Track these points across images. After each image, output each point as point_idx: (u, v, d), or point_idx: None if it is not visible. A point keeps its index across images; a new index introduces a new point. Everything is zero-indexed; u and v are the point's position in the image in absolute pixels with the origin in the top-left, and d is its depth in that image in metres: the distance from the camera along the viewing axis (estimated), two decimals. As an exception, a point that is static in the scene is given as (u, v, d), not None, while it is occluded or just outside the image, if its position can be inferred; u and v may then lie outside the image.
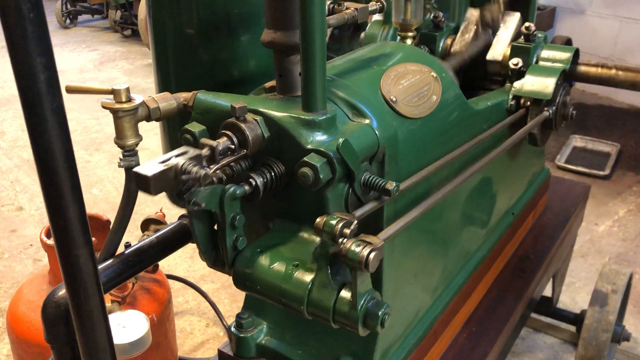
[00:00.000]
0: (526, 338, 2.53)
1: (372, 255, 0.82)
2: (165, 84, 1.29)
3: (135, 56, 6.76)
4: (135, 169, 0.79)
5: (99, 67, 6.44)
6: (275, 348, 1.21)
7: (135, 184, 0.78)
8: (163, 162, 0.80)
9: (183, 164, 0.81)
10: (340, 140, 0.93)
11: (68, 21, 8.06)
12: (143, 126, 1.05)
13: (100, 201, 3.67)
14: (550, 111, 1.55)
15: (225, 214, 0.92)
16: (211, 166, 0.89)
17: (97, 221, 1.83)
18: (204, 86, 1.15)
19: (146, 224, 1.60)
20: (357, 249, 0.83)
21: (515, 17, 1.68)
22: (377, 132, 1.02)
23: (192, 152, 0.83)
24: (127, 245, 1.34)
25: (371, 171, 1.02)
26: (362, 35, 1.74)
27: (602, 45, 4.83)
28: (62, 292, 0.97)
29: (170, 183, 0.80)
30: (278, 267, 0.95)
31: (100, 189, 3.83)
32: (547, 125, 1.59)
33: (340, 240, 0.85)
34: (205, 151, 0.88)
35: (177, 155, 0.82)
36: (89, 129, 4.74)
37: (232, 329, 1.23)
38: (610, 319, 1.99)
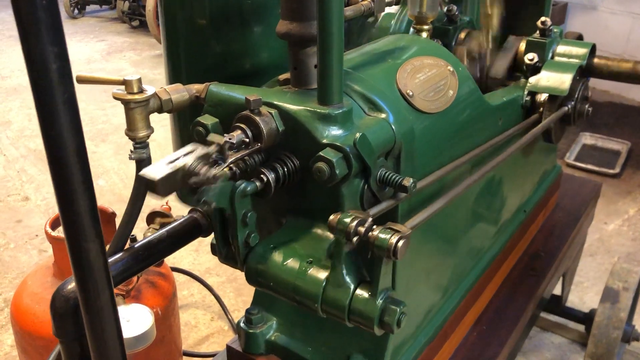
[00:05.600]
0: (533, 337, 2.51)
1: (400, 243, 0.81)
2: (176, 75, 1.27)
3: (143, 47, 6.74)
4: (142, 172, 0.77)
5: (106, 57, 6.42)
6: (285, 345, 1.19)
7: (144, 186, 0.76)
8: (170, 162, 0.78)
9: (191, 164, 0.78)
10: (357, 135, 0.91)
11: (76, 11, 8.04)
12: (150, 118, 1.03)
13: (106, 192, 3.66)
14: (569, 106, 1.52)
15: (236, 211, 0.90)
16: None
17: (102, 213, 1.81)
18: (215, 78, 1.13)
19: (152, 217, 1.58)
20: (386, 236, 0.82)
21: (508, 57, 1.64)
22: (393, 127, 1.00)
23: (200, 150, 0.81)
24: (132, 239, 1.32)
25: (387, 167, 1.00)
26: (375, 28, 1.72)
27: (614, 42, 4.78)
28: (71, 285, 0.96)
29: (179, 184, 0.78)
30: (292, 264, 0.93)
31: (107, 180, 3.82)
32: (565, 120, 1.56)
33: (355, 238, 0.83)
34: (213, 148, 0.85)
35: (185, 155, 0.79)
36: (95, 119, 4.72)
37: (242, 324, 1.21)
38: (622, 316, 1.96)
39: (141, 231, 1.32)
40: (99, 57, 6.43)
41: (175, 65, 1.27)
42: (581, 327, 2.43)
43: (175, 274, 2.52)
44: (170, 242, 1.10)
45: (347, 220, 0.84)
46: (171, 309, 1.84)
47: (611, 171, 3.75)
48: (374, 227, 0.83)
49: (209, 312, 2.66)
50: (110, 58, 6.40)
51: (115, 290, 1.67)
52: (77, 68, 6.00)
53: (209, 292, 2.69)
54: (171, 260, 2.93)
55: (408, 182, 0.94)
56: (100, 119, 4.75)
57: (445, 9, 1.69)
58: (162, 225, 1.21)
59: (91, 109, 4.86)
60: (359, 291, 0.87)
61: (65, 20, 7.88)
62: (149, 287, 1.78)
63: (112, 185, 3.76)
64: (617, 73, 1.65)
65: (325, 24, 0.89)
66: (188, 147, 0.82)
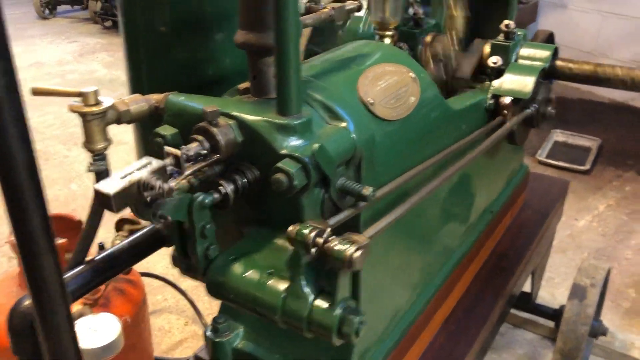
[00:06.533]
0: (505, 334, 2.54)
1: (357, 254, 0.81)
2: (137, 83, 1.26)
3: (115, 48, 6.66)
4: (96, 186, 0.76)
5: (78, 59, 6.33)
6: (252, 352, 1.19)
7: (97, 201, 0.76)
8: (125, 176, 0.77)
9: (146, 178, 0.78)
10: (316, 145, 0.91)
11: (47, 11, 7.90)
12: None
13: (78, 197, 3.61)
14: (532, 108, 1.54)
15: (195, 223, 0.90)
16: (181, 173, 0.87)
17: (68, 222, 1.79)
18: (178, 86, 1.12)
19: (120, 224, 1.57)
20: (342, 248, 0.82)
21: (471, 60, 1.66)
22: (354, 136, 1.00)
23: (155, 163, 0.80)
24: (101, 247, 1.31)
25: (348, 176, 1.00)
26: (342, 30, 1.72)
27: (584, 40, 4.85)
28: (29, 302, 0.94)
29: (134, 198, 0.77)
30: (252, 275, 0.93)
31: (79, 185, 3.77)
32: (527, 122, 1.58)
33: (314, 250, 0.83)
34: (169, 161, 0.85)
35: (139, 168, 0.79)
36: (67, 122, 4.65)
37: (208, 333, 1.21)
38: (589, 312, 2.00)
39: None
40: (70, 58, 6.33)
41: (136, 73, 1.27)
42: (551, 323, 2.47)
43: (149, 279, 2.50)
44: (132, 253, 1.10)
45: (306, 231, 0.84)
46: (141, 316, 1.82)
47: (582, 168, 3.81)
48: (331, 238, 0.83)
49: (183, 317, 2.65)
50: (82, 60, 6.31)
51: (82, 300, 1.65)
52: (49, 70, 5.92)
53: (182, 296, 2.67)
54: (144, 264, 2.89)
55: (367, 191, 0.94)
56: (72, 122, 4.67)
57: (411, 12, 1.70)
58: (131, 233, 1.20)
59: (63, 112, 4.79)
60: (317, 302, 0.87)
61: (36, 20, 7.74)
62: (117, 295, 1.76)
63: (84, 190, 3.71)
64: (579, 75, 1.68)
65: (281, 34, 0.89)
66: (143, 160, 0.82)
